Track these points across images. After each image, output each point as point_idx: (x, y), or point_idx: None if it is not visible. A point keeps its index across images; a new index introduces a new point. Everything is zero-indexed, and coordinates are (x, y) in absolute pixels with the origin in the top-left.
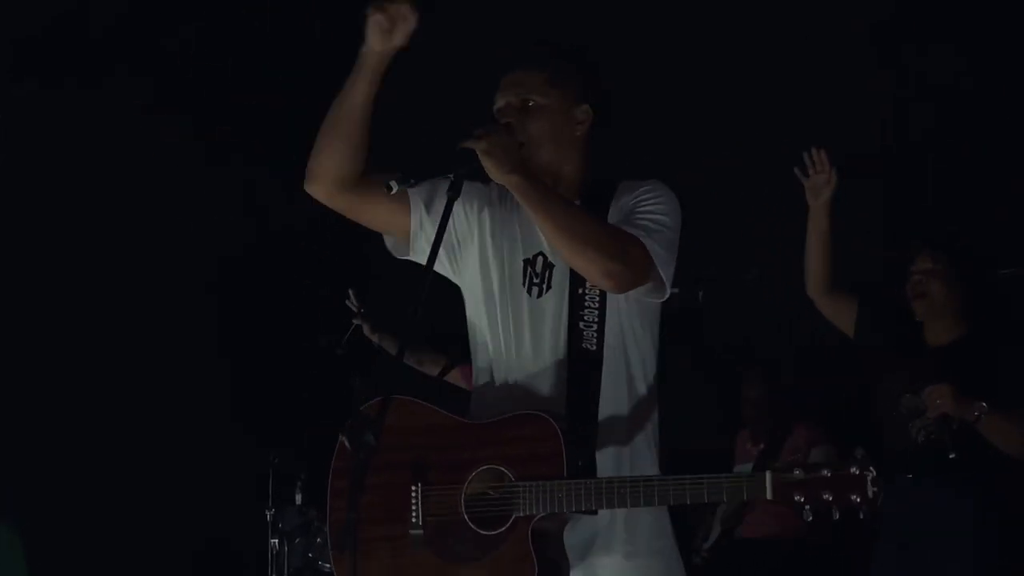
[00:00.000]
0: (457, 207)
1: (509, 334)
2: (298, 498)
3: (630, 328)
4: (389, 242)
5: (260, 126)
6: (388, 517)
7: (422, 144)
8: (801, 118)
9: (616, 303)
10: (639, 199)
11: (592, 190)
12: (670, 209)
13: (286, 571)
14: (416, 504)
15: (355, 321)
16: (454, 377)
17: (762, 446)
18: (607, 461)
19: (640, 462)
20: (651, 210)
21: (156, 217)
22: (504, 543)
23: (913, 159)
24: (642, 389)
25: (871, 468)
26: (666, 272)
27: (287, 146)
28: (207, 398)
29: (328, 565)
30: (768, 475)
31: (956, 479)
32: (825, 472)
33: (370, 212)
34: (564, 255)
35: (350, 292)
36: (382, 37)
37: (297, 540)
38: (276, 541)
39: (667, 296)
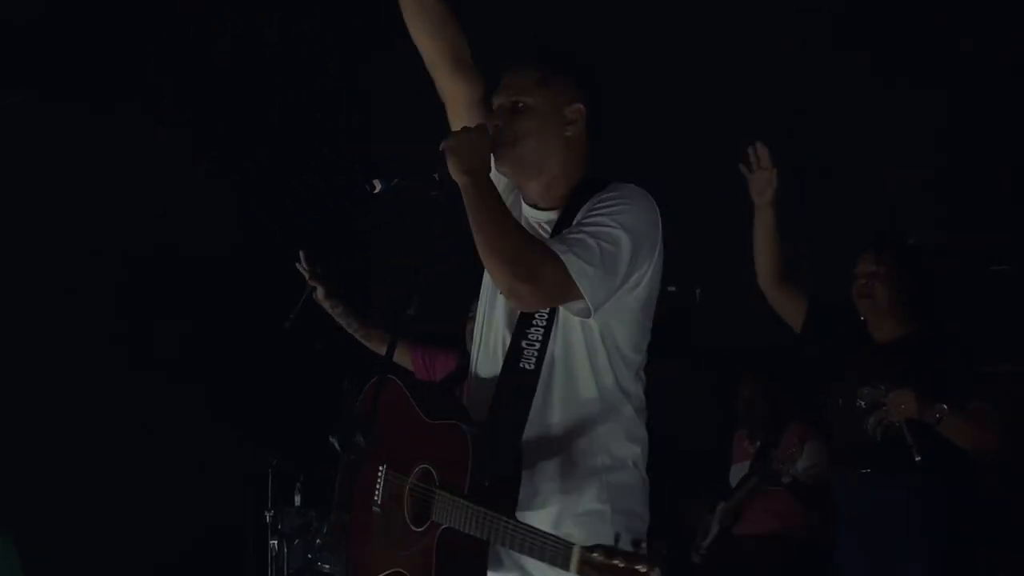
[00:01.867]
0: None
1: (480, 335)
2: (297, 499)
3: (589, 349)
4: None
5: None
6: (364, 491)
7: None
8: (799, 118)
9: (574, 322)
10: (594, 208)
11: (578, 192)
12: (624, 220)
13: (285, 572)
14: (380, 484)
15: (311, 283)
16: (401, 358)
17: (758, 444)
18: (545, 483)
19: (585, 485)
20: (597, 221)
21: (151, 219)
22: (420, 542)
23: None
24: (599, 411)
25: (657, 568)
26: (591, 289)
27: (273, 150)
28: (206, 400)
29: (327, 566)
30: (576, 548)
31: (916, 475)
32: (617, 562)
33: (461, 91)
34: (484, 265)
35: (301, 254)
36: None
37: (296, 541)
38: (275, 542)
39: (591, 315)
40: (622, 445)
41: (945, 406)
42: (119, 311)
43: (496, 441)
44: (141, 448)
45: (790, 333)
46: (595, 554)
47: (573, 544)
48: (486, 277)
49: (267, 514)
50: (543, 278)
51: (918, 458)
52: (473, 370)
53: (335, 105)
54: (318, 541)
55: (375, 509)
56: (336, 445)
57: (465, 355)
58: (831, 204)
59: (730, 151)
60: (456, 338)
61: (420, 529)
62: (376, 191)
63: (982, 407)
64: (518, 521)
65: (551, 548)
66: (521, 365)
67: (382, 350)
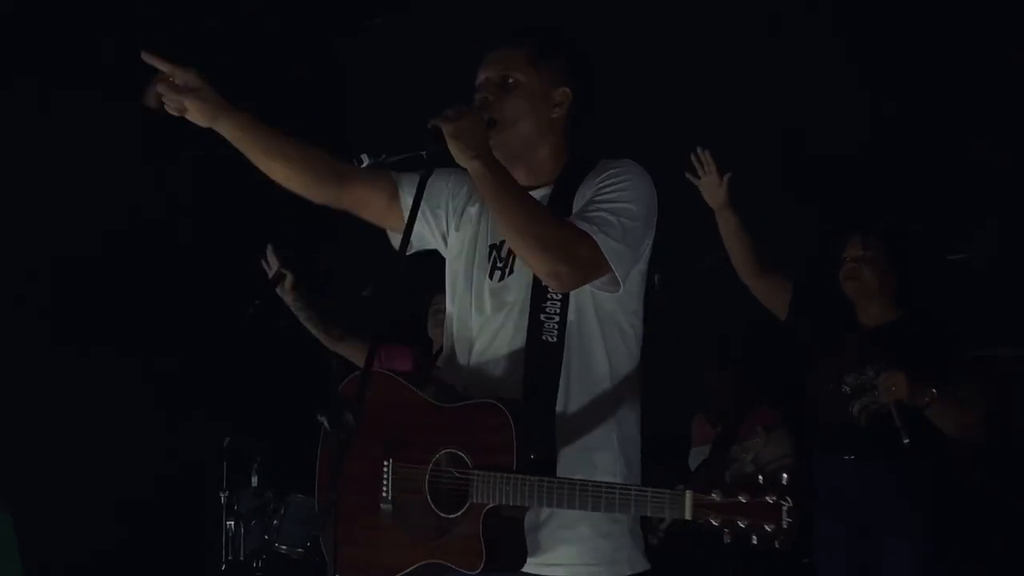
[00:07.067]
0: (442, 185)
1: (471, 315)
2: (254, 480)
3: (600, 319)
4: (394, 239)
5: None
6: (363, 488)
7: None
8: (767, 108)
9: (586, 294)
10: (601, 186)
11: (566, 173)
12: (635, 195)
13: (242, 554)
14: (387, 479)
15: (280, 271)
16: (356, 354)
17: (719, 428)
18: (569, 455)
19: (604, 456)
20: (612, 198)
21: (123, 199)
22: (458, 527)
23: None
24: (609, 381)
25: (788, 498)
26: (619, 265)
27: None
28: (165, 379)
29: (284, 547)
30: (688, 495)
31: (901, 461)
32: (741, 498)
33: (362, 201)
34: (514, 250)
35: (269, 247)
36: (196, 112)
37: (253, 522)
38: (232, 523)
39: (621, 290)
40: (631, 414)
41: (935, 390)
42: (95, 290)
43: (535, 414)
44: (97, 427)
45: (750, 318)
46: (712, 495)
47: (684, 491)
48: (455, 263)
49: (222, 495)
50: (580, 258)
51: (907, 440)
52: (461, 350)
53: (310, 83)
54: (275, 522)
55: (384, 506)
56: (325, 424)
57: (425, 352)
58: (810, 190)
59: (696, 138)
60: (409, 329)
61: (455, 515)
62: (364, 165)
63: (971, 393)
64: (608, 483)
65: (653, 501)
66: (544, 338)
67: (339, 347)
